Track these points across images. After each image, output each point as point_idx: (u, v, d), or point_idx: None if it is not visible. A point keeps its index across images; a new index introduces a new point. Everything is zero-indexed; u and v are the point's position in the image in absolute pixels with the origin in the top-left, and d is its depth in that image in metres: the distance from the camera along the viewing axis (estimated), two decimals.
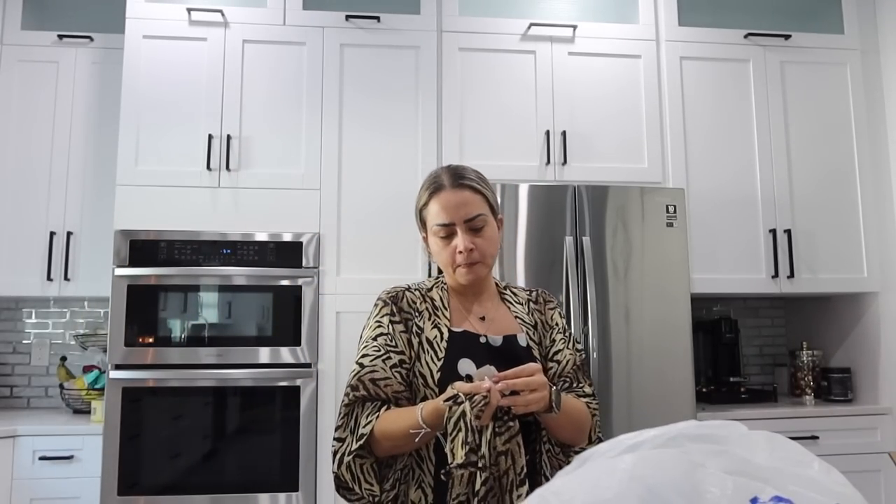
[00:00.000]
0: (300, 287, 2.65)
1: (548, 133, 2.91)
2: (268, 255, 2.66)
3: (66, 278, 2.88)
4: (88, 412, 2.85)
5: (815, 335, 3.29)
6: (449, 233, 1.32)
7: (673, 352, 2.60)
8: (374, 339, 1.32)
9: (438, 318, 1.35)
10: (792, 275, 2.95)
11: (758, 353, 3.45)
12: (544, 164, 2.89)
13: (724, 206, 2.97)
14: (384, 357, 1.29)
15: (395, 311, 1.35)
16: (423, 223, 1.39)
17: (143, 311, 2.56)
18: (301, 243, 2.69)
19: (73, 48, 3.00)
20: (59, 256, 2.88)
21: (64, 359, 3.08)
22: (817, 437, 2.74)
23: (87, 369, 2.98)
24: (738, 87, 3.06)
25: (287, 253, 2.68)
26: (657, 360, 2.58)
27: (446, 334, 1.32)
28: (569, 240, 2.59)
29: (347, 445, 1.25)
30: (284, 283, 2.65)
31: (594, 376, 2.51)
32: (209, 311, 2.60)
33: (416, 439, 1.18)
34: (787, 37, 3.08)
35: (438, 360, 1.29)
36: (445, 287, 1.41)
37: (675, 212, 2.67)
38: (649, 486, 0.40)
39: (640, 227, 2.64)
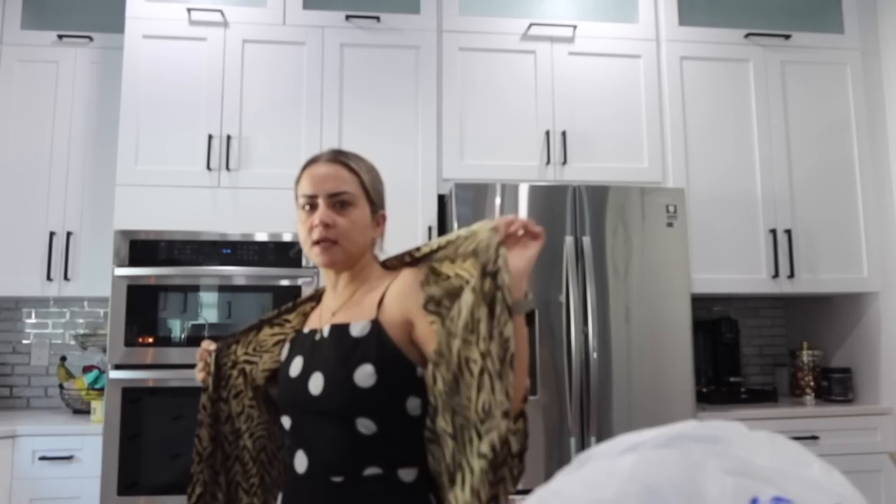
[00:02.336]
0: (300, 287, 2.65)
1: (548, 133, 2.91)
2: (267, 255, 2.66)
3: (66, 278, 2.88)
4: (88, 412, 2.85)
5: (816, 335, 3.29)
6: (311, 205, 1.22)
7: (673, 352, 2.59)
8: None
9: (300, 319, 1.33)
10: (792, 275, 2.95)
11: (758, 353, 3.45)
12: (544, 163, 2.89)
13: (724, 205, 2.97)
14: None
15: (287, 327, 1.35)
16: (296, 200, 1.28)
17: (143, 311, 2.56)
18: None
19: (72, 48, 3.00)
20: (59, 256, 2.88)
21: (64, 359, 3.08)
22: (817, 438, 2.74)
23: (86, 369, 2.98)
24: (739, 87, 3.06)
25: (287, 253, 2.68)
26: (657, 360, 2.58)
27: (292, 335, 1.30)
28: (569, 240, 2.59)
29: None
30: (284, 283, 2.65)
31: (594, 376, 2.51)
32: (209, 311, 2.60)
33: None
34: (787, 37, 3.08)
35: (280, 361, 1.29)
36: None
37: (675, 212, 2.67)
38: (649, 486, 0.40)
39: (640, 227, 2.64)
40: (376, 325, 1.14)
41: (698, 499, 0.39)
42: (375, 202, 1.27)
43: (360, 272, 1.25)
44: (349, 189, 1.22)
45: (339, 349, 1.15)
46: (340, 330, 1.17)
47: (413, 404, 1.12)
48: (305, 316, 1.33)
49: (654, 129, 2.97)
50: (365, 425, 1.10)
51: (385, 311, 1.15)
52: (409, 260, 1.22)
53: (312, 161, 1.26)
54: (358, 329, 1.16)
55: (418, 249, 1.20)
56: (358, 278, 1.25)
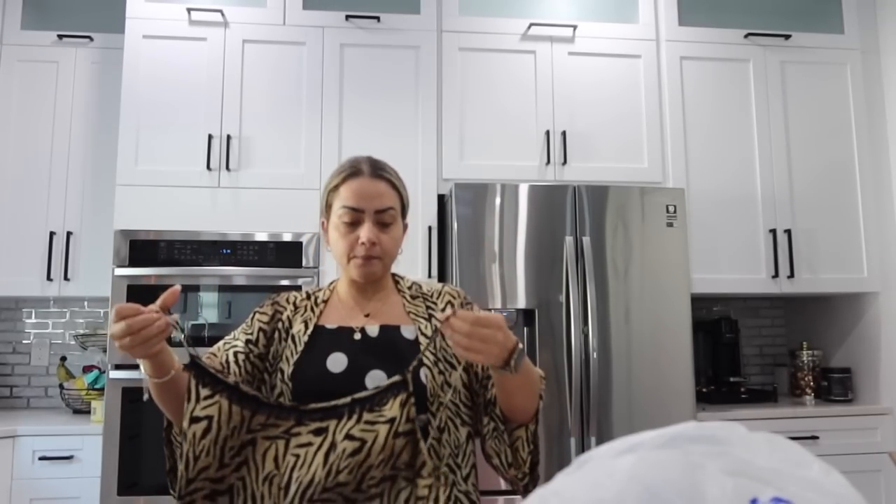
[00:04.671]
0: (300, 287, 2.65)
1: (548, 133, 2.91)
2: (268, 255, 2.66)
3: (66, 278, 2.88)
4: (88, 412, 2.85)
5: (815, 335, 3.29)
6: (355, 220, 1.23)
7: (673, 352, 2.60)
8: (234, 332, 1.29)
9: (311, 314, 1.28)
10: (792, 275, 2.95)
11: (758, 353, 3.45)
12: (544, 163, 2.89)
13: (724, 205, 2.97)
14: (228, 340, 1.26)
15: (267, 306, 1.30)
16: (327, 207, 1.28)
17: None
18: (301, 243, 2.69)
19: (72, 48, 3.00)
20: (59, 256, 2.88)
21: (64, 359, 3.08)
22: (817, 438, 2.74)
23: (86, 369, 2.99)
24: (738, 87, 3.06)
25: (287, 253, 2.68)
26: (657, 360, 2.58)
27: (311, 329, 1.24)
28: (569, 240, 2.59)
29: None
30: (284, 283, 2.65)
31: (594, 376, 2.51)
32: (209, 310, 2.60)
33: (144, 392, 1.07)
34: (787, 37, 3.08)
35: (295, 354, 1.21)
36: (332, 285, 1.35)
37: (675, 212, 2.67)
38: (649, 486, 0.40)
39: (640, 227, 2.65)
40: (416, 330, 1.25)
41: (698, 499, 0.39)
42: (406, 216, 1.33)
43: (383, 279, 1.32)
44: (393, 206, 1.26)
45: (398, 349, 1.21)
46: (392, 331, 1.24)
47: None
48: (300, 310, 1.29)
49: (654, 129, 2.97)
50: (420, 420, 1.13)
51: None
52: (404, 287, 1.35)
53: (355, 173, 1.25)
54: (409, 332, 1.25)
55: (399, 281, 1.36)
56: (381, 286, 1.32)
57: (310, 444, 1.03)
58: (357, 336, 1.23)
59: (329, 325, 1.26)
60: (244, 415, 1.04)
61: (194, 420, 1.02)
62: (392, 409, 1.05)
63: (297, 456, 1.02)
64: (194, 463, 1.01)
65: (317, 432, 1.04)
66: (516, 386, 1.13)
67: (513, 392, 1.15)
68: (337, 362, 1.20)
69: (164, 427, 1.15)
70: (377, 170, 1.27)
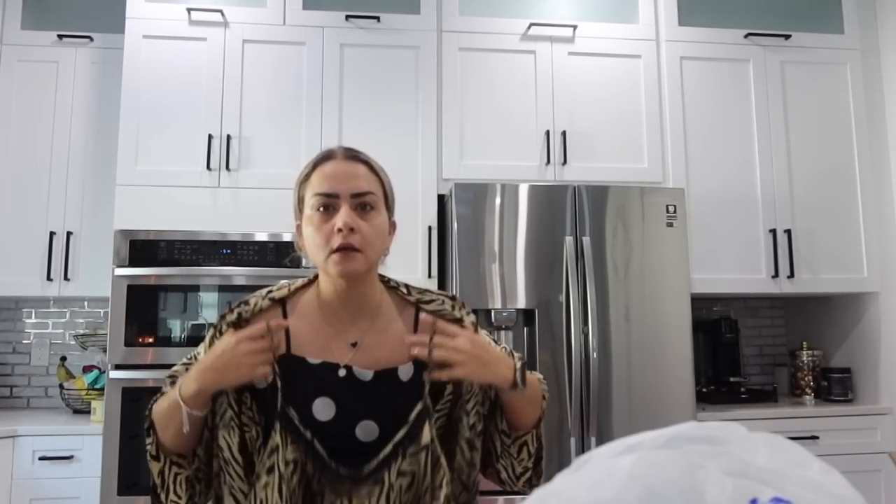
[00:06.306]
0: None
1: (548, 133, 2.91)
2: (267, 255, 2.66)
3: (66, 278, 2.88)
4: (88, 412, 2.85)
5: (815, 335, 3.29)
6: (329, 207, 1.07)
7: (673, 352, 2.60)
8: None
9: (280, 335, 1.09)
10: (792, 275, 2.95)
11: (758, 353, 3.45)
12: (544, 164, 2.89)
13: (724, 205, 2.97)
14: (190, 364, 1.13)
15: (227, 321, 1.11)
16: (299, 204, 1.14)
17: (143, 311, 2.56)
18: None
19: (72, 48, 3.00)
20: (59, 256, 2.88)
21: (64, 359, 3.08)
22: (817, 438, 2.74)
23: (87, 369, 2.98)
24: (738, 87, 3.06)
25: (287, 253, 2.68)
26: (657, 360, 2.58)
27: (285, 356, 1.08)
28: (569, 240, 2.59)
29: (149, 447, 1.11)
30: (284, 282, 2.64)
31: (594, 376, 2.51)
32: (209, 311, 2.60)
33: (185, 425, 1.02)
34: (787, 37, 3.08)
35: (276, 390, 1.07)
36: (304, 288, 1.17)
37: (675, 212, 2.67)
38: (649, 486, 0.40)
39: (640, 227, 2.65)
40: (412, 368, 1.10)
41: (698, 499, 0.39)
42: (391, 208, 1.16)
43: (370, 286, 1.13)
44: (373, 190, 1.10)
45: (391, 396, 1.07)
46: (388, 377, 1.08)
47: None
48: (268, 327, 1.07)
49: (654, 129, 2.97)
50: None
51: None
52: (404, 293, 1.17)
53: (326, 157, 1.11)
54: (405, 373, 1.10)
55: (408, 290, 1.18)
56: (369, 294, 1.12)
57: (371, 493, 1.03)
58: (342, 373, 1.07)
59: (311, 360, 1.08)
60: (314, 468, 1.03)
61: (287, 463, 1.01)
62: (426, 436, 1.05)
63: None
64: (290, 499, 1.00)
65: (374, 482, 1.03)
66: (525, 402, 1.12)
67: (523, 409, 1.13)
68: (324, 408, 1.05)
69: (155, 457, 1.10)
70: (353, 152, 1.13)
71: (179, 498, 1.10)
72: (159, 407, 1.09)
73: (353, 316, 1.12)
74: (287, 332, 1.10)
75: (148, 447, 1.11)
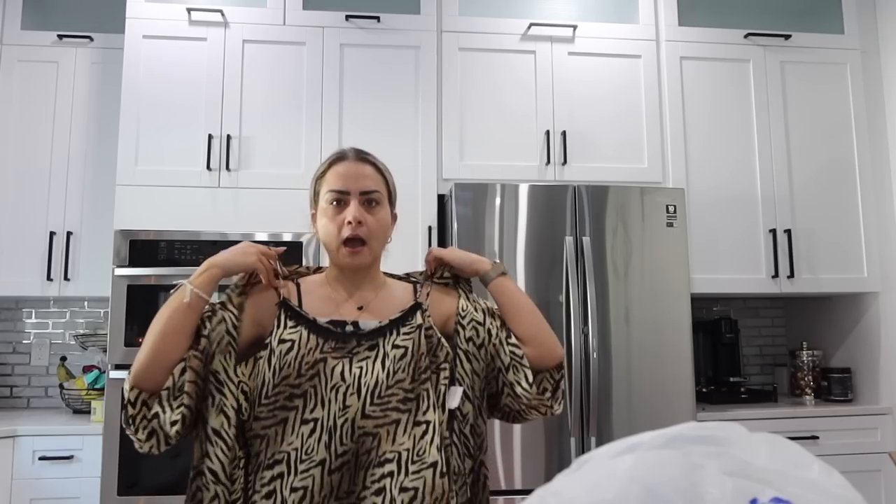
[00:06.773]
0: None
1: (548, 133, 2.91)
2: None
3: (66, 278, 2.88)
4: (88, 412, 2.85)
5: (815, 335, 3.29)
6: (341, 201, 1.25)
7: (673, 352, 2.60)
8: None
9: (293, 297, 1.27)
10: (792, 275, 2.95)
11: (758, 353, 3.45)
12: (544, 163, 2.89)
13: (724, 205, 2.97)
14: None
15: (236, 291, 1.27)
16: (315, 196, 1.31)
17: (143, 311, 2.56)
18: (301, 243, 2.69)
19: (72, 48, 3.00)
20: (59, 256, 2.88)
21: (64, 359, 3.08)
22: (817, 438, 2.74)
23: (87, 369, 2.99)
24: (738, 87, 3.06)
25: (287, 253, 2.68)
26: (657, 360, 2.58)
27: (295, 314, 1.24)
28: (569, 240, 2.59)
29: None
30: None
31: (594, 376, 2.51)
32: None
33: (186, 300, 1.16)
34: (787, 37, 3.08)
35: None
36: (315, 266, 1.38)
37: (675, 212, 2.67)
38: (649, 486, 0.40)
39: (640, 227, 2.65)
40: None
41: (698, 499, 0.39)
42: (393, 202, 1.35)
43: (374, 270, 1.33)
44: (378, 188, 1.28)
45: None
46: (392, 322, 1.27)
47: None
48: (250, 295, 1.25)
49: (654, 129, 2.97)
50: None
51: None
52: (402, 276, 1.40)
53: (339, 158, 1.30)
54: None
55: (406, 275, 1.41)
56: (373, 275, 1.33)
57: (367, 357, 1.20)
58: (349, 328, 1.23)
59: (321, 320, 1.23)
60: (318, 341, 1.20)
61: (282, 341, 1.19)
62: (417, 318, 1.26)
63: (361, 367, 1.19)
64: (280, 371, 1.17)
65: (371, 348, 1.21)
66: (517, 305, 1.33)
67: (518, 311, 1.32)
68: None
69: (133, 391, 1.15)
70: (362, 153, 1.31)
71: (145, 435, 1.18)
72: (153, 323, 1.19)
73: (359, 289, 1.31)
74: (299, 296, 1.29)
75: (128, 394, 1.16)
